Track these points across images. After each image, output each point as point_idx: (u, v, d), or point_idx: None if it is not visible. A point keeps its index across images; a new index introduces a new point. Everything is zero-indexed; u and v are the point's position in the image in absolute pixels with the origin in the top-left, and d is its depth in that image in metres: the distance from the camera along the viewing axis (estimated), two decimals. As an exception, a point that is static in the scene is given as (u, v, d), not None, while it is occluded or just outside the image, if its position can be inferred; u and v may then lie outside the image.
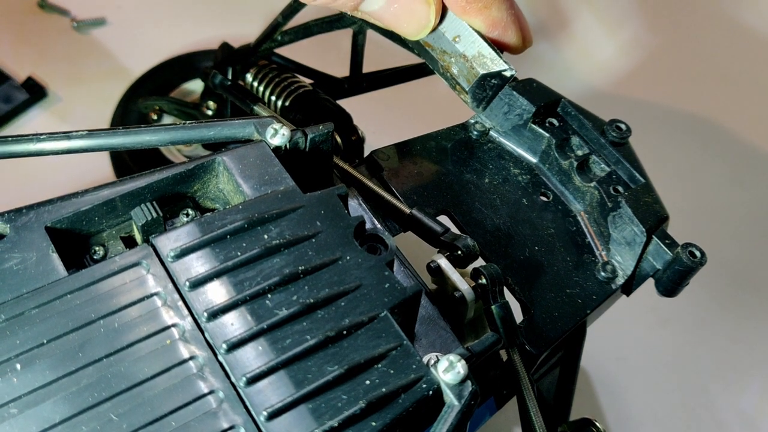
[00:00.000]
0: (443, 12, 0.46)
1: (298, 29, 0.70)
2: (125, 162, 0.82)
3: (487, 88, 0.48)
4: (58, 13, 0.97)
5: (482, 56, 0.46)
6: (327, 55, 0.76)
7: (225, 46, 0.74)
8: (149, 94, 0.87)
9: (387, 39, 0.61)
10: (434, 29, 0.47)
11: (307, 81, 0.72)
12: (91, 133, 0.42)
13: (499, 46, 0.48)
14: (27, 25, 0.96)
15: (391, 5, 0.45)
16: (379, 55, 0.71)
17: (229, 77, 0.72)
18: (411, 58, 0.68)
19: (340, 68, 0.74)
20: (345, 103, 0.70)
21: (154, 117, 0.86)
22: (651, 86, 1.03)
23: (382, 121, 0.90)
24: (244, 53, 0.72)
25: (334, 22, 0.69)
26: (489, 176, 0.53)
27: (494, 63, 0.46)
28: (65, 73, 0.93)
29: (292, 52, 0.73)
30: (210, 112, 0.76)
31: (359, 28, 0.69)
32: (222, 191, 0.42)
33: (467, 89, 0.48)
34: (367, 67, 0.74)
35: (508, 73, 0.47)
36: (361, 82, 0.73)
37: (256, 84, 0.70)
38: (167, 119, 0.87)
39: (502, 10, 0.46)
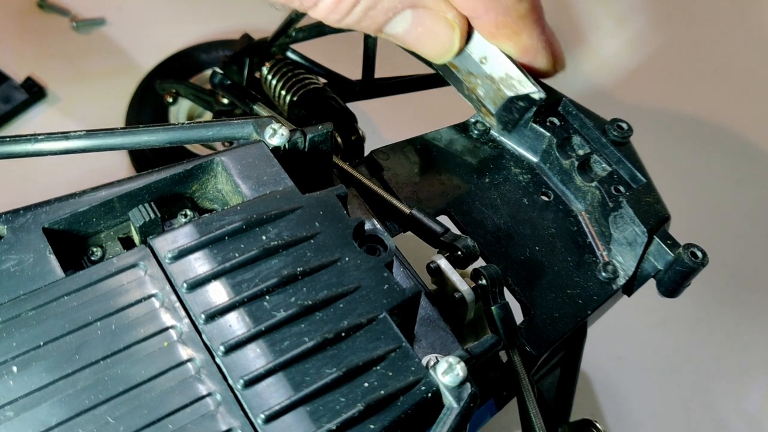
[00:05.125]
0: (469, 34, 0.45)
1: (311, 27, 0.70)
2: (145, 155, 0.83)
3: (514, 111, 0.47)
4: (57, 13, 0.97)
5: (510, 78, 0.45)
6: (346, 56, 0.75)
7: (245, 37, 0.74)
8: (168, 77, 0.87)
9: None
10: (459, 52, 0.45)
11: (322, 80, 0.72)
12: (90, 133, 0.41)
13: (529, 71, 0.46)
14: (26, 25, 0.96)
15: (415, 28, 0.43)
16: (395, 60, 0.70)
17: (246, 68, 0.72)
18: (425, 68, 0.68)
19: (359, 70, 0.74)
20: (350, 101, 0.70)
21: (170, 100, 0.86)
22: (653, 85, 1.03)
23: (382, 119, 0.90)
24: (261, 46, 0.72)
25: (345, 22, 0.69)
26: (489, 176, 0.53)
27: (522, 85, 0.45)
28: (65, 73, 0.92)
29: (312, 50, 0.73)
30: (226, 101, 0.76)
31: None
32: (220, 192, 0.41)
33: (493, 112, 0.47)
34: (384, 70, 0.74)
35: (536, 96, 0.46)
36: (372, 86, 0.73)
37: (269, 77, 0.70)
38: (183, 103, 0.87)
39: (533, 36, 0.44)
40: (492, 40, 0.45)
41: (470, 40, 0.45)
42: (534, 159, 0.53)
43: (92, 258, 0.39)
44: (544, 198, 0.52)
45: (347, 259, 0.37)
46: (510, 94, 0.45)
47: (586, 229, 0.51)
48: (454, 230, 0.46)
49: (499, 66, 0.45)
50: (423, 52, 0.45)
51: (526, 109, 0.47)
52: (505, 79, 0.45)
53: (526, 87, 0.45)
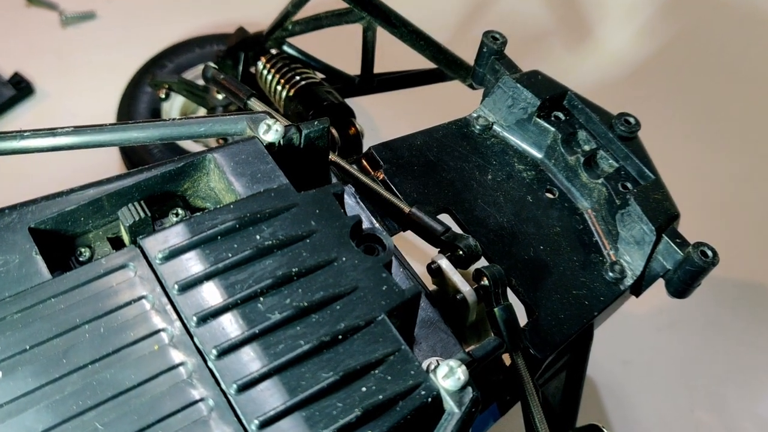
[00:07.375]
0: None
1: (308, 20, 0.69)
2: (137, 153, 0.82)
3: None
4: (46, 7, 0.96)
5: None
6: (344, 50, 0.74)
7: (240, 31, 0.74)
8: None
9: (399, 39, 0.59)
10: None
11: (320, 75, 0.71)
12: (77, 129, 0.41)
13: None
14: (14, 19, 0.95)
15: None
16: (395, 55, 0.69)
17: (241, 62, 0.72)
18: (425, 62, 0.67)
19: (358, 65, 0.73)
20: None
21: (162, 95, 0.85)
22: (661, 78, 1.01)
23: (381, 115, 0.89)
24: (257, 40, 0.71)
25: (344, 15, 0.68)
26: (492, 172, 0.52)
27: None
28: (54, 68, 0.91)
29: (309, 44, 0.72)
30: (220, 96, 0.76)
31: (368, 24, 0.69)
32: (213, 189, 0.41)
33: None
34: (383, 65, 0.72)
35: None
36: (371, 81, 0.72)
37: (265, 72, 0.70)
38: (176, 99, 0.86)
39: None
40: None
41: None
42: (538, 155, 0.53)
43: (80, 259, 0.38)
44: (549, 195, 0.51)
45: (344, 258, 0.36)
46: None
47: (593, 228, 0.50)
48: (456, 229, 0.45)
49: None
50: None
51: None
52: None
53: None
